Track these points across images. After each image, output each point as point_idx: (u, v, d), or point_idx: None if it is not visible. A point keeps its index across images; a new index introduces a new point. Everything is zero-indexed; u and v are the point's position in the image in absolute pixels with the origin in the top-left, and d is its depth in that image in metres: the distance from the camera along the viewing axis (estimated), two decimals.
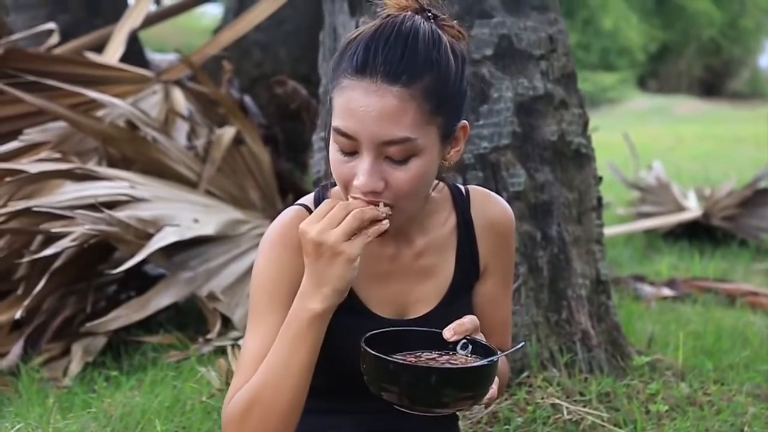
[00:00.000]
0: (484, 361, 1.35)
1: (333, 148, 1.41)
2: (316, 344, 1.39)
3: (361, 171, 1.37)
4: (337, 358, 1.49)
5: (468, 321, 1.40)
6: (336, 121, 1.39)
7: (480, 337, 1.43)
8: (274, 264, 1.47)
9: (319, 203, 1.52)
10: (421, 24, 1.39)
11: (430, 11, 1.43)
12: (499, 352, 1.38)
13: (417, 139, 1.37)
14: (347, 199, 1.43)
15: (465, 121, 1.47)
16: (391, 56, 1.35)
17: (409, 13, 1.41)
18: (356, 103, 1.35)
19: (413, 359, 1.37)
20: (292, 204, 1.57)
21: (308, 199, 1.56)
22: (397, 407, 1.35)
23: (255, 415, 1.40)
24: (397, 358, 1.35)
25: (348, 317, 1.46)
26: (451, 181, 1.62)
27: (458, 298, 1.57)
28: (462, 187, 1.62)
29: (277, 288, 1.46)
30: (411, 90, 1.35)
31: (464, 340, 1.40)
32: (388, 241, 1.51)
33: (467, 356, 1.39)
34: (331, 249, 1.33)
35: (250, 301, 1.50)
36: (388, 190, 1.39)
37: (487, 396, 1.36)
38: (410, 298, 1.55)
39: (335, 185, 1.55)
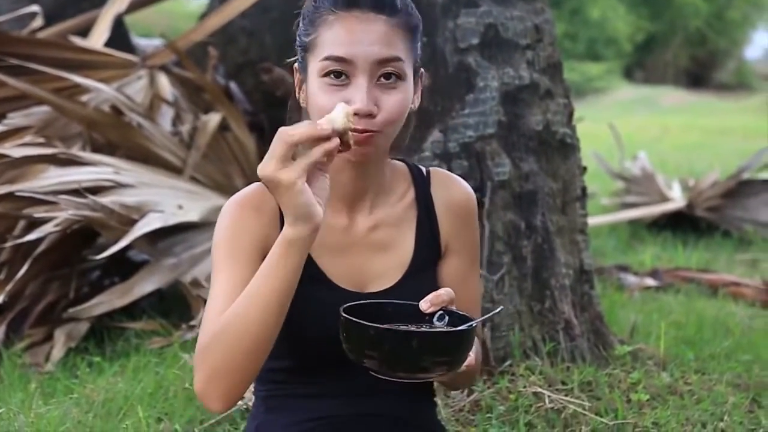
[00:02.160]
0: (463, 327, 1.37)
1: (320, 83, 1.44)
2: (291, 275, 1.36)
3: (358, 94, 1.42)
4: (302, 328, 1.49)
5: (444, 293, 1.42)
6: (328, 50, 1.44)
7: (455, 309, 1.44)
8: (232, 221, 1.50)
9: None
10: None
11: None
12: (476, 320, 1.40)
13: (405, 61, 1.46)
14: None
15: (423, 70, 1.56)
16: None
17: None
18: (350, 29, 1.43)
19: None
20: None
21: None
22: (376, 374, 1.36)
23: (222, 343, 1.38)
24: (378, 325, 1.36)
25: (310, 287, 1.47)
26: (410, 161, 1.65)
27: (419, 274, 1.57)
28: (423, 168, 1.64)
29: (235, 243, 1.48)
30: (395, 19, 1.45)
31: (440, 312, 1.41)
32: (340, 211, 1.54)
33: (444, 327, 1.40)
34: (271, 181, 1.30)
35: (212, 260, 1.51)
36: (380, 114, 1.44)
37: (465, 363, 1.38)
38: (369, 271, 1.56)
39: None
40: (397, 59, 1.44)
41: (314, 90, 1.46)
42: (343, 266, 1.54)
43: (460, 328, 1.37)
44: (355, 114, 1.40)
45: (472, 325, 1.37)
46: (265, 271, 1.37)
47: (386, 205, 1.57)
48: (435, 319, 1.41)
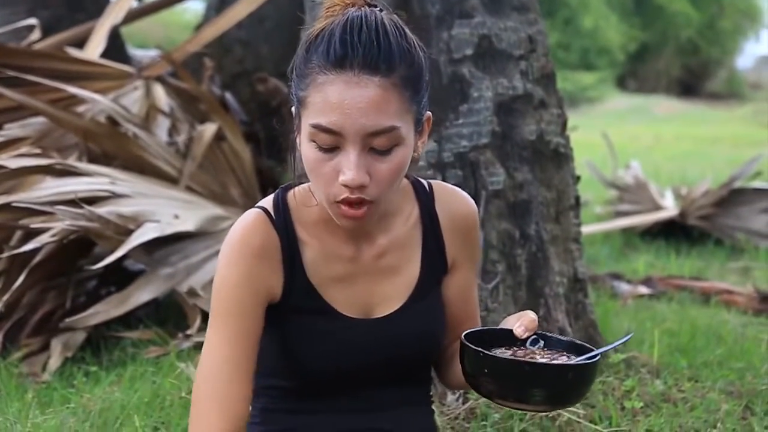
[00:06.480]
0: (602, 349, 1.37)
1: (310, 147, 1.37)
2: None
3: (348, 166, 1.34)
4: (306, 360, 1.48)
5: (534, 316, 1.40)
6: (316, 118, 1.35)
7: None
8: (236, 269, 1.44)
9: (278, 206, 1.48)
10: (383, 16, 1.38)
11: (375, 5, 1.41)
12: (583, 344, 1.40)
13: (400, 127, 1.35)
14: (321, 200, 1.41)
15: (429, 112, 1.46)
16: (369, 47, 1.34)
17: (361, 5, 1.39)
18: (339, 97, 1.32)
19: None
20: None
21: (267, 202, 1.51)
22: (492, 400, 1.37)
23: None
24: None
25: (316, 319, 1.46)
26: (412, 176, 1.59)
27: (426, 295, 1.55)
28: (425, 182, 1.59)
29: (239, 294, 1.44)
30: (391, 79, 1.34)
31: (534, 336, 1.41)
32: (347, 241, 1.50)
33: (542, 351, 1.40)
34: None
35: (211, 305, 1.46)
36: (372, 184, 1.37)
37: None
38: (376, 297, 1.52)
39: (292, 187, 1.52)
40: (390, 129, 1.34)
41: (306, 150, 1.38)
42: (350, 294, 1.50)
43: (597, 351, 1.36)
44: (345, 185, 1.35)
45: (606, 350, 1.37)
46: None
47: (392, 228, 1.53)
48: (529, 343, 1.40)
